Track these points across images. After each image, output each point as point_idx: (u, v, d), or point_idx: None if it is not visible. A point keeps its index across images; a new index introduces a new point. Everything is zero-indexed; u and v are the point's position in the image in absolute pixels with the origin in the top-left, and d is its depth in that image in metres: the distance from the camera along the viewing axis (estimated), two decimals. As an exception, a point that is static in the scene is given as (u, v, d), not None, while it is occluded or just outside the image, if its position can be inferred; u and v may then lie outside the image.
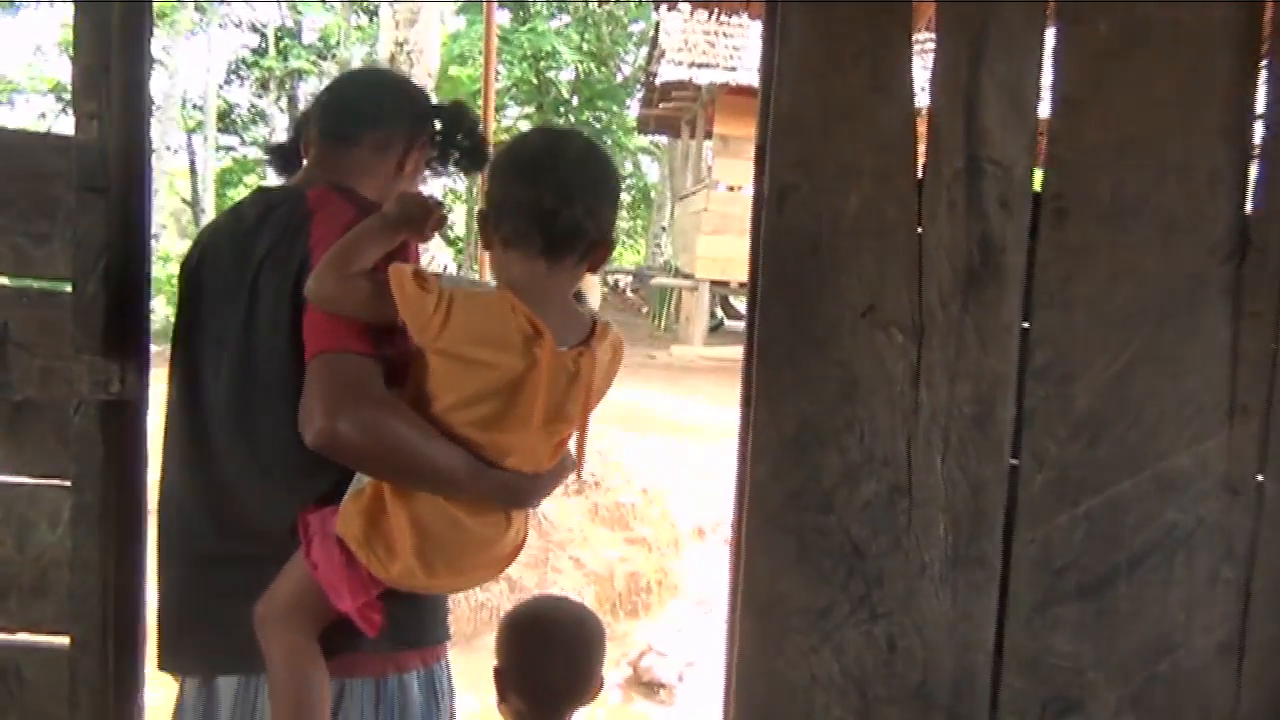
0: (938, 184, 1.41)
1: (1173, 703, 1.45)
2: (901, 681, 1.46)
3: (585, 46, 22.10)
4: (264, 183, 1.87)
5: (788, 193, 1.42)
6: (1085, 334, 1.42)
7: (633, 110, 21.89)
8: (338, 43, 20.69)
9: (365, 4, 20.14)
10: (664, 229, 21.66)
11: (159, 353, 1.55)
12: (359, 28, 20.72)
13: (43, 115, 20.52)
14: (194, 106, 21.88)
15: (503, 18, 19.78)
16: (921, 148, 1.42)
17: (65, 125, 1.53)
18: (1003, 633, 1.45)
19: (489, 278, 1.44)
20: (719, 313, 15.47)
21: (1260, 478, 1.43)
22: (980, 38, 1.39)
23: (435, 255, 8.41)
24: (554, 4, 21.13)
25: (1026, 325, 1.43)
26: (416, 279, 1.30)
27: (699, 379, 10.79)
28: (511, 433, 1.36)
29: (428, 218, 1.40)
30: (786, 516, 1.45)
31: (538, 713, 1.56)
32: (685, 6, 13.50)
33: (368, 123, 1.59)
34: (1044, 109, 1.41)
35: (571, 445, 1.48)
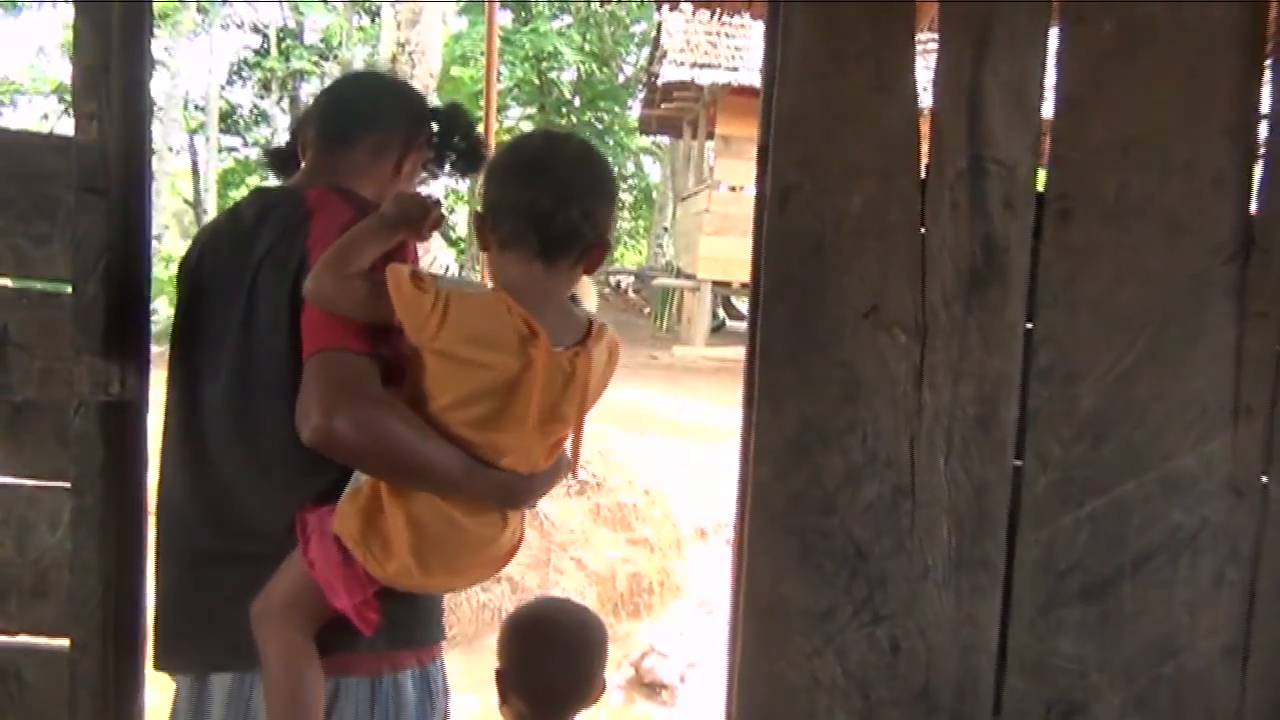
0: (941, 184, 1.41)
1: (1177, 705, 1.45)
2: (904, 684, 1.45)
3: (587, 47, 22.12)
4: (264, 183, 1.88)
5: (790, 193, 1.42)
6: (1089, 334, 1.41)
7: (635, 111, 21.91)
8: (340, 43, 20.71)
9: (367, 5, 20.16)
10: (666, 230, 21.67)
11: (160, 354, 1.55)
12: (361, 28, 20.75)
13: (45, 116, 20.58)
14: (196, 107, 21.91)
15: (504, 18, 19.79)
16: (924, 148, 1.41)
17: (67, 126, 1.53)
18: (1006, 635, 1.45)
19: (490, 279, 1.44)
20: (721, 313, 15.46)
21: (1265, 479, 1.42)
22: (983, 37, 1.38)
23: (437, 256, 8.41)
24: (556, 4, 21.15)
25: (1030, 326, 1.42)
26: (413, 279, 1.31)
27: (701, 380, 10.79)
28: (507, 433, 1.36)
29: (425, 218, 1.40)
30: (789, 518, 1.44)
31: (539, 715, 1.56)
32: (687, 6, 13.53)
33: (365, 125, 1.60)
34: (1047, 109, 1.41)
35: (566, 447, 1.48)
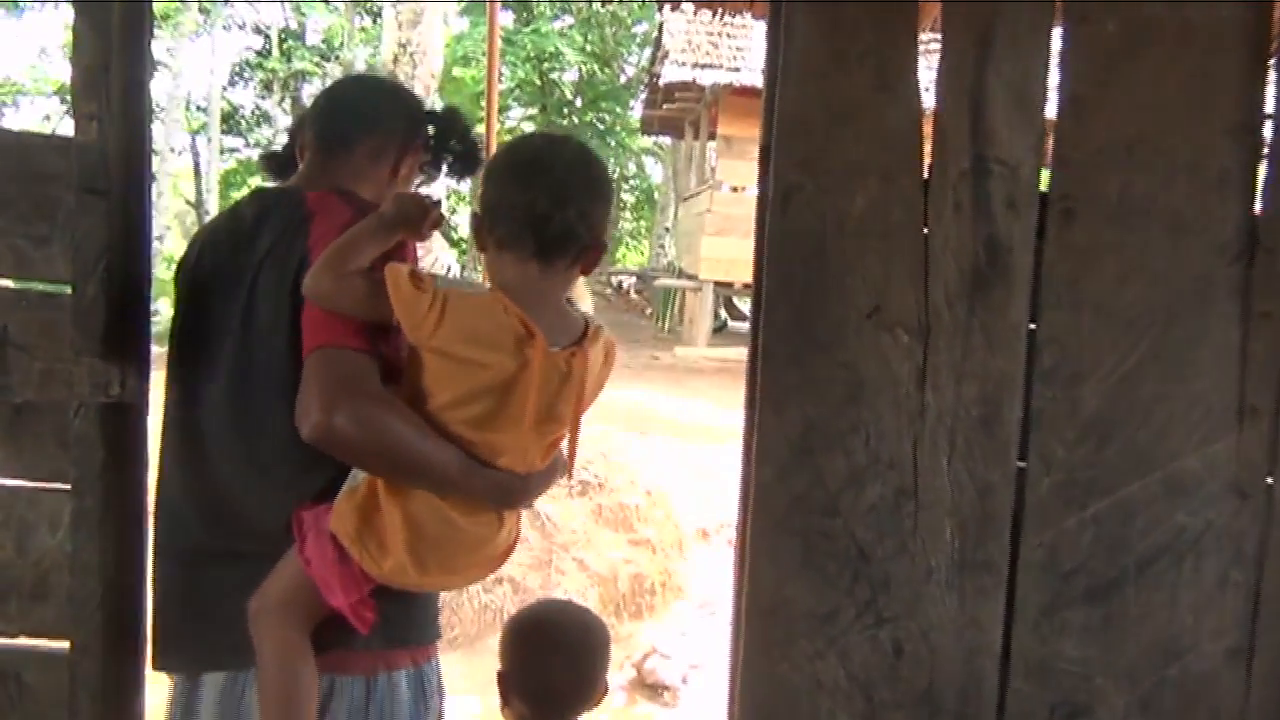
0: (944, 184, 1.40)
1: (1182, 707, 1.44)
2: (907, 686, 1.45)
3: (589, 47, 22.13)
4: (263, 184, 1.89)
5: (792, 193, 1.42)
6: (1093, 335, 1.41)
7: (636, 111, 21.91)
8: (341, 44, 20.72)
9: (369, 5, 20.18)
10: (668, 230, 21.66)
11: (161, 354, 1.55)
12: (363, 29, 20.76)
13: (47, 117, 20.61)
14: (198, 108, 21.92)
15: (506, 19, 19.81)
16: (927, 148, 1.41)
17: (69, 127, 1.54)
18: (1010, 637, 1.44)
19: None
20: (723, 314, 15.47)
21: (1270, 480, 1.41)
22: (986, 37, 1.38)
23: (438, 256, 8.41)
24: (557, 5, 21.16)
25: (1033, 326, 1.42)
26: (412, 279, 1.32)
27: (703, 380, 10.79)
28: (504, 432, 1.37)
29: (424, 218, 1.42)
30: (792, 519, 1.44)
31: (541, 717, 1.56)
32: (689, 7, 13.53)
33: (362, 128, 1.61)
34: (1051, 109, 1.40)
35: (563, 448, 1.49)
